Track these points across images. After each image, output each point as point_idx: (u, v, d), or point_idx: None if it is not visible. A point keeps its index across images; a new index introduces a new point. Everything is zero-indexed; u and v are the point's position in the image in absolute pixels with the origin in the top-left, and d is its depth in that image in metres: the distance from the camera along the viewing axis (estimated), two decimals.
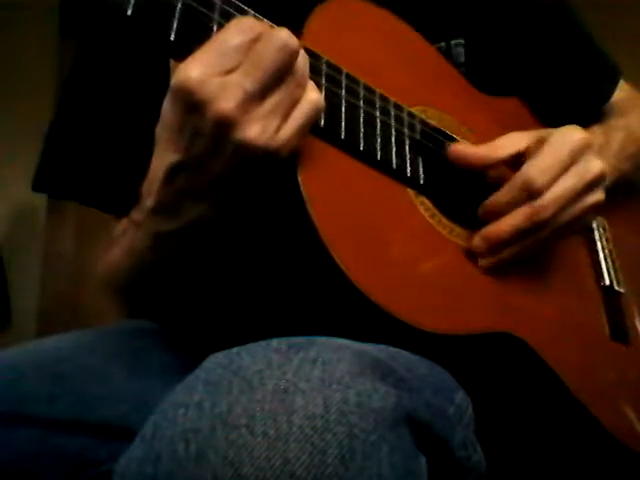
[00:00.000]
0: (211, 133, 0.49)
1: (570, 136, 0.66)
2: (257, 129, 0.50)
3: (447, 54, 0.77)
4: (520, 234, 0.63)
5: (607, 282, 0.77)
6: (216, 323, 0.72)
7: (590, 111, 0.86)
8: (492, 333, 0.61)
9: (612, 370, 0.72)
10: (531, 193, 0.63)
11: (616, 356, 0.74)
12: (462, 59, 0.78)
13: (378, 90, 0.63)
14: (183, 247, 0.60)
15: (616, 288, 0.78)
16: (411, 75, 0.69)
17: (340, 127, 0.58)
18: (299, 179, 0.55)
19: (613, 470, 0.69)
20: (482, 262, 0.64)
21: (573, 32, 0.87)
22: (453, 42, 0.78)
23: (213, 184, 0.53)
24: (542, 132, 0.67)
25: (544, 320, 0.68)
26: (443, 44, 0.78)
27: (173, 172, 0.53)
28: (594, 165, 0.65)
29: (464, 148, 0.66)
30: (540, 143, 0.65)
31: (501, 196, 0.64)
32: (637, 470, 0.69)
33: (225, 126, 0.49)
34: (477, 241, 0.64)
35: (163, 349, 0.71)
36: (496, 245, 0.63)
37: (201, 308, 0.74)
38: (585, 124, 0.75)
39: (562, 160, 0.64)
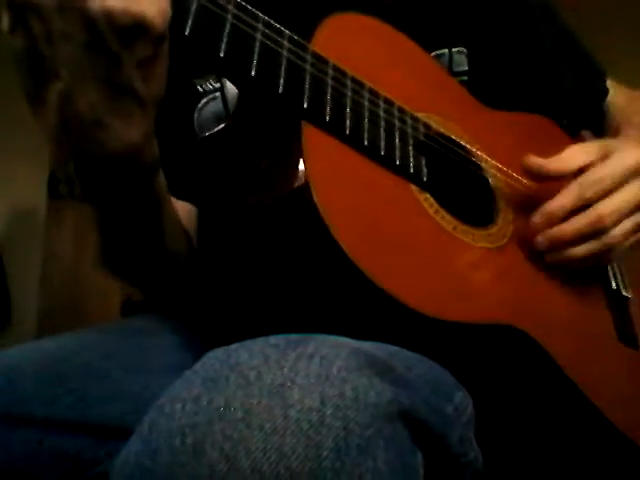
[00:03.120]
0: None
1: (631, 157, 0.71)
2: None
3: (449, 61, 0.78)
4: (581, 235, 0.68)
5: (614, 287, 0.78)
6: (216, 322, 0.72)
7: (593, 110, 0.90)
8: (498, 326, 0.61)
9: (621, 372, 0.73)
10: (585, 200, 0.68)
11: (625, 358, 0.75)
12: (464, 67, 0.79)
13: (382, 94, 0.64)
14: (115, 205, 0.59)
15: (623, 293, 0.78)
16: (414, 84, 0.71)
17: (345, 123, 0.59)
18: (305, 170, 0.55)
19: (618, 469, 0.69)
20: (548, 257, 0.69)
21: (565, 34, 0.89)
22: (455, 49, 0.79)
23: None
24: (607, 148, 0.72)
25: (552, 318, 0.68)
26: (445, 51, 0.79)
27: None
28: None
29: (537, 159, 0.71)
30: (604, 159, 0.70)
31: (559, 200, 0.69)
32: None
33: None
34: (536, 217, 0.69)
35: (163, 349, 0.71)
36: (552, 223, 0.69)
37: (202, 307, 0.74)
38: (589, 122, 0.82)
39: (619, 176, 0.69)
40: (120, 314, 1.76)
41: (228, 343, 0.46)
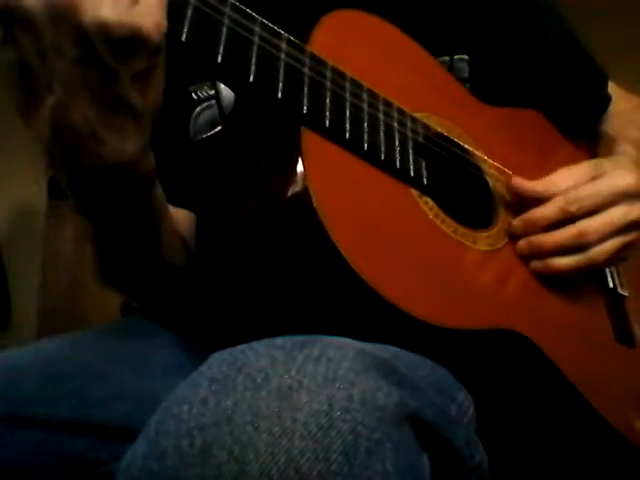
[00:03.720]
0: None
1: (622, 180, 0.71)
2: None
3: (450, 68, 0.79)
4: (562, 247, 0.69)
5: (611, 285, 0.78)
6: (218, 323, 0.72)
7: (595, 117, 0.90)
8: (498, 330, 0.61)
9: (619, 370, 0.73)
10: (568, 214, 0.69)
11: (622, 357, 0.75)
12: (466, 74, 0.80)
13: (381, 95, 0.64)
14: (109, 212, 0.58)
15: (620, 291, 0.78)
16: (413, 84, 0.71)
17: (344, 128, 0.59)
18: (305, 175, 0.55)
19: (616, 469, 0.69)
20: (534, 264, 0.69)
21: (570, 38, 0.89)
22: (456, 57, 0.79)
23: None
24: (597, 169, 0.72)
25: (550, 319, 0.68)
26: (447, 58, 0.79)
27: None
28: (635, 210, 0.71)
29: (523, 182, 0.71)
30: (594, 179, 0.71)
31: (541, 210, 0.69)
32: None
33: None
34: (517, 221, 0.70)
35: (164, 349, 0.72)
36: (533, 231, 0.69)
37: (203, 307, 0.74)
38: (591, 128, 0.83)
39: (606, 196, 0.70)
40: (120, 315, 1.76)
41: (228, 344, 0.46)
